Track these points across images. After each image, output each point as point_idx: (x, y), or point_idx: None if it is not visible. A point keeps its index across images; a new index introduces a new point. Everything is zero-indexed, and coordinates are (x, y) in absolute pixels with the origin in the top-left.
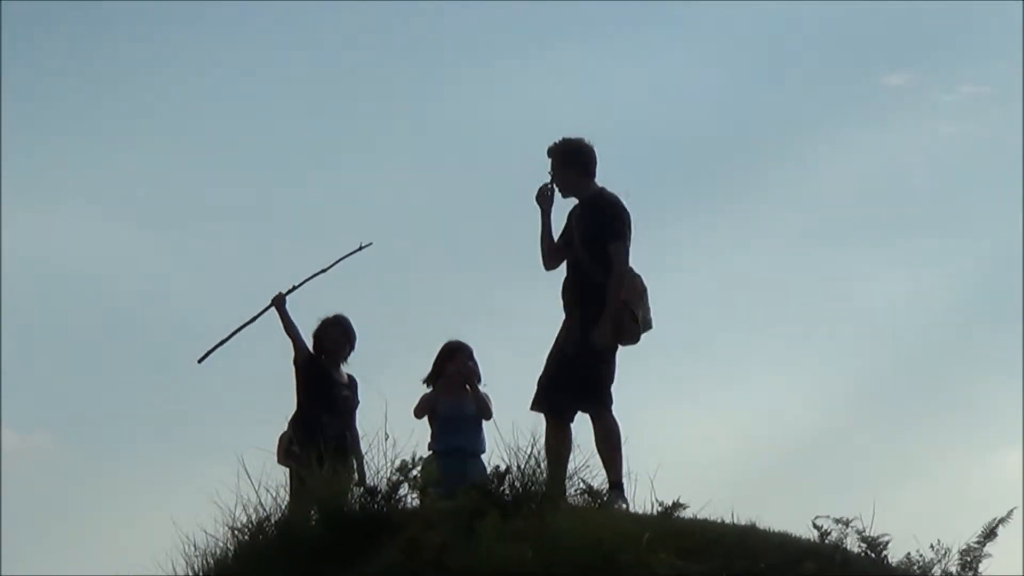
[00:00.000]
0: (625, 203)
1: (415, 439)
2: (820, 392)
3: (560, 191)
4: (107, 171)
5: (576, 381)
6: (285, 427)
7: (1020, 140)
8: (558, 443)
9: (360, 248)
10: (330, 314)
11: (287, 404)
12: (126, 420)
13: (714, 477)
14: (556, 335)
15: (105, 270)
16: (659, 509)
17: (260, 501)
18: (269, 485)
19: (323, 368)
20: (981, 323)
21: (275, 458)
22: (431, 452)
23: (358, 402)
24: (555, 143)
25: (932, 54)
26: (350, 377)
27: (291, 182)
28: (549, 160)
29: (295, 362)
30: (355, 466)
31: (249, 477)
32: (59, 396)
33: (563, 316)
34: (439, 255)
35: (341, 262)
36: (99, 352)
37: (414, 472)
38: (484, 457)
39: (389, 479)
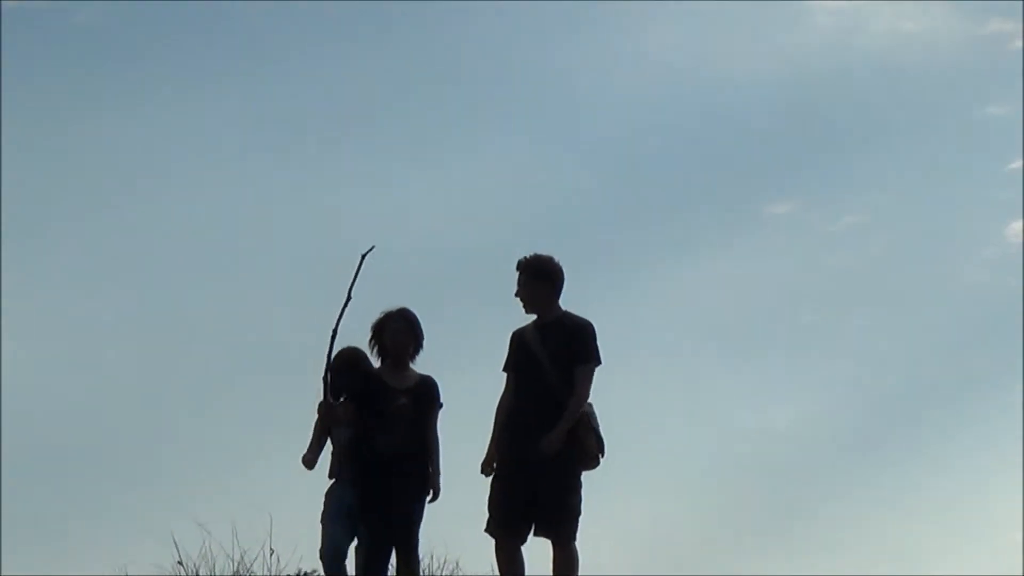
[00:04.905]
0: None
1: (299, 552)
2: (699, 515)
3: (524, 306)
4: None
5: (551, 507)
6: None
7: (900, 267)
8: (515, 566)
9: (364, 256)
10: (393, 307)
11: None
12: (56, 498)
13: None
14: (501, 455)
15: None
16: None
17: None
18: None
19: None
20: (861, 452)
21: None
22: None
23: (433, 406)
24: (528, 257)
25: (815, 184)
26: (422, 379)
27: None
28: (519, 273)
29: None
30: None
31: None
32: None
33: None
34: None
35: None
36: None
37: None
38: None
39: None
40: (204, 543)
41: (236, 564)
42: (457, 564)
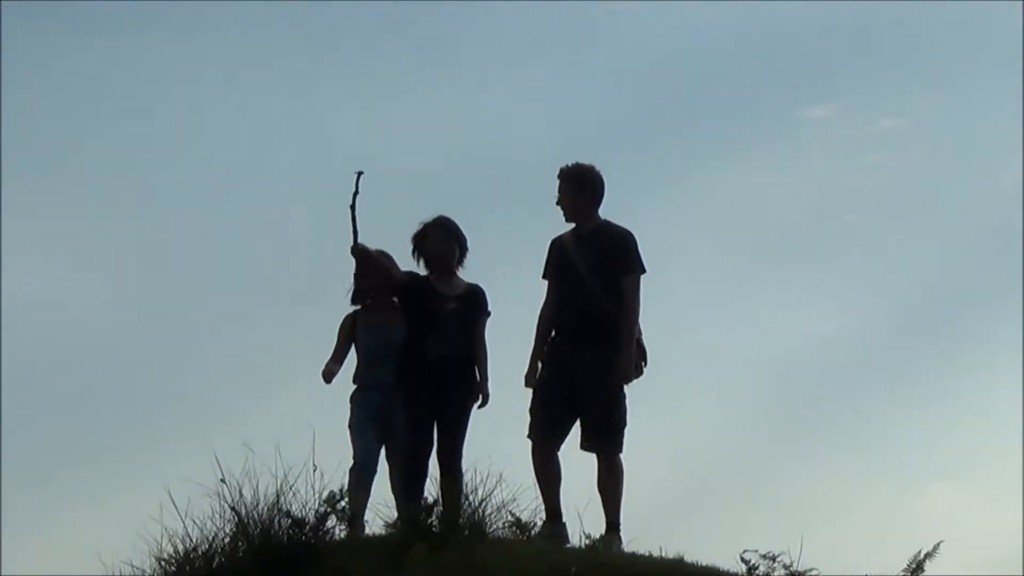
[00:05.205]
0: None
1: (343, 467)
2: (741, 424)
3: (564, 215)
4: None
5: (597, 419)
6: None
7: (937, 171)
8: (551, 468)
9: (359, 175)
10: (429, 217)
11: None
12: (47, 452)
13: (641, 510)
14: (544, 363)
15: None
16: (587, 543)
17: (187, 532)
18: (195, 516)
19: (418, 283)
20: (904, 355)
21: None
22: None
23: (481, 314)
24: (568, 166)
25: (852, 87)
26: (471, 287)
27: None
28: (559, 182)
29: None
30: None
31: (176, 508)
32: None
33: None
34: None
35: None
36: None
37: (342, 503)
38: None
39: (317, 511)
40: (247, 461)
41: (279, 481)
42: (500, 476)
